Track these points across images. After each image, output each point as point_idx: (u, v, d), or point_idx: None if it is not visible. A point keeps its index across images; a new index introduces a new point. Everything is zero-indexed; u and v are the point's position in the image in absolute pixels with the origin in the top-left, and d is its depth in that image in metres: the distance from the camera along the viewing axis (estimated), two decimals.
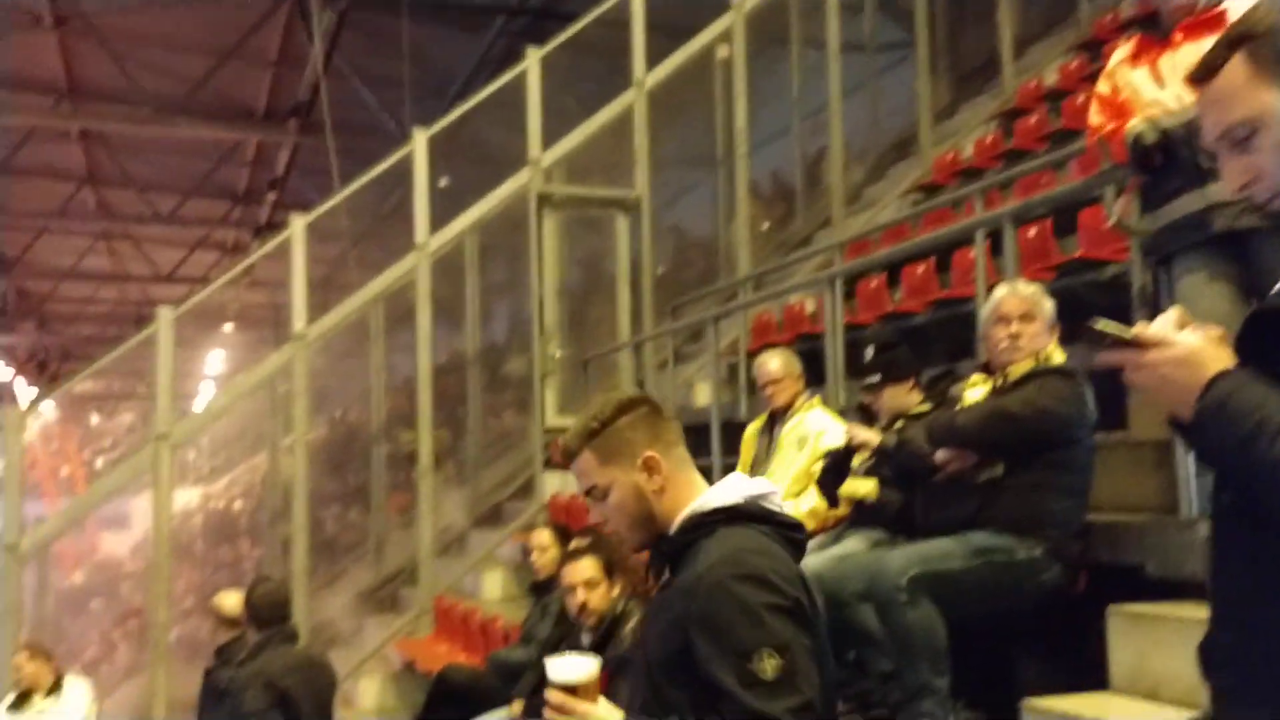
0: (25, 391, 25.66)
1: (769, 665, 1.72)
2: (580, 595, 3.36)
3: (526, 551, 6.93)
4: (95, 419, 31.38)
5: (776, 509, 1.94)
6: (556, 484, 7.48)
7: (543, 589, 4.75)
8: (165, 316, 6.54)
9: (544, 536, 4.87)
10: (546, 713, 1.81)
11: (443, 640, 6.83)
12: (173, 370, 6.56)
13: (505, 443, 9.18)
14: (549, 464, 7.76)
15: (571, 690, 1.78)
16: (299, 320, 6.89)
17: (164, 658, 6.50)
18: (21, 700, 5.85)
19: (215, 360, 21.83)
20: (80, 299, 22.58)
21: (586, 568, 3.37)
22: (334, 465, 10.85)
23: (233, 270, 7.40)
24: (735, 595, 1.77)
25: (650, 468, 1.93)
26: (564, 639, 4.13)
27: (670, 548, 1.92)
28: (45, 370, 24.14)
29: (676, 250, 10.06)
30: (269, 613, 4.55)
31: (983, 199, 5.83)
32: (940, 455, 3.04)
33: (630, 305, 7.86)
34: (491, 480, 8.61)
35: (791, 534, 1.94)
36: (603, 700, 1.81)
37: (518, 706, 4.12)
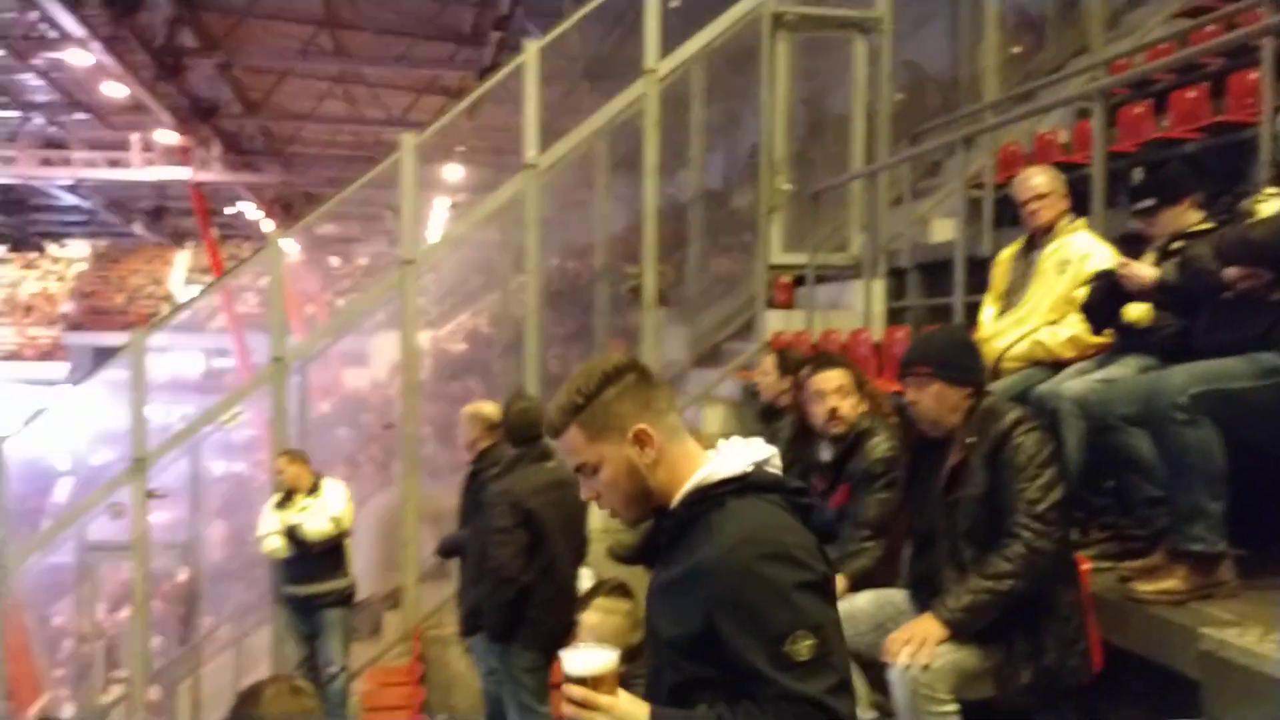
0: (270, 231, 27.60)
1: (804, 647, 1.66)
2: (831, 402, 3.33)
3: (747, 388, 7.04)
4: (335, 261, 33.50)
5: (779, 473, 1.82)
6: (779, 323, 7.44)
7: (771, 415, 4.77)
8: (408, 143, 6.77)
9: (768, 362, 4.88)
10: (565, 708, 1.72)
11: None
12: (416, 197, 6.82)
13: (727, 283, 9.17)
14: (771, 304, 7.72)
15: (592, 683, 1.70)
16: (531, 149, 6.99)
17: (416, 469, 6.96)
18: (285, 499, 6.46)
19: (445, 203, 22.72)
20: (321, 142, 23.80)
21: (838, 376, 3.33)
22: (557, 304, 11.18)
23: (471, 95, 7.51)
24: (763, 577, 1.69)
25: (641, 440, 1.79)
26: (795, 462, 4.16)
27: (674, 523, 1.80)
28: (289, 211, 25.77)
29: (913, 84, 9.54)
30: (522, 430, 4.61)
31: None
32: (1230, 272, 2.79)
33: (864, 135, 7.55)
34: (712, 320, 8.66)
35: (798, 499, 1.83)
36: (623, 692, 1.72)
37: None
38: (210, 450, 8.87)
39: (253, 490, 12.54)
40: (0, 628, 6.83)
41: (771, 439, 4.64)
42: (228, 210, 28.05)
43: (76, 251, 43.46)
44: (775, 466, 1.83)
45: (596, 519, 4.80)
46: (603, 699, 1.71)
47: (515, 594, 4.41)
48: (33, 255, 40.28)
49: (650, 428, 1.80)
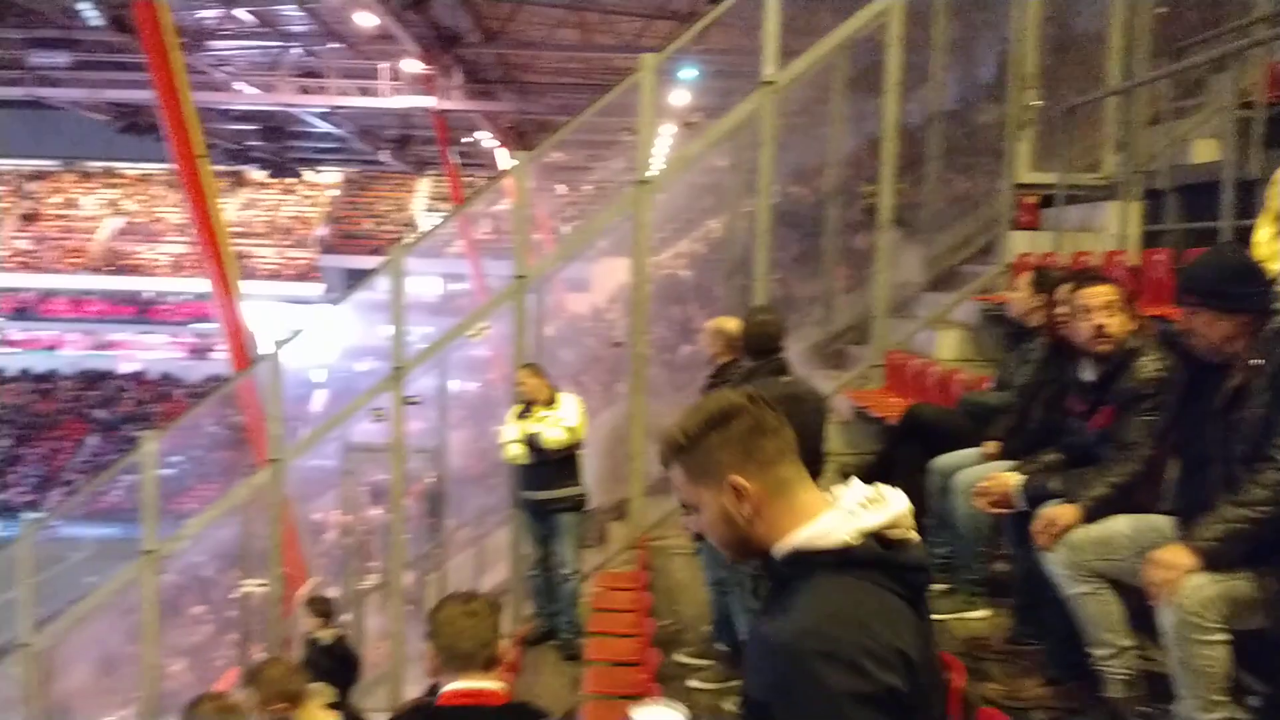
0: (505, 160, 28.58)
1: None
2: (1098, 318, 3.18)
3: (985, 311, 6.80)
4: (561, 189, 34.39)
5: (898, 540, 1.66)
6: (1023, 244, 7.13)
7: (1021, 336, 4.60)
8: (648, 63, 6.83)
9: (1022, 279, 4.69)
10: None
11: (894, 393, 6.93)
12: (653, 118, 6.90)
13: (965, 203, 8.84)
14: (1015, 225, 7.40)
15: None
16: (769, 65, 6.91)
17: (643, 385, 7.15)
18: (525, 410, 6.78)
19: (670, 129, 22.83)
20: (553, 70, 24.33)
21: (1106, 291, 3.17)
22: (782, 228, 11.10)
23: (707, 16, 7.46)
24: (818, 678, 1.55)
25: (737, 492, 1.69)
26: (1046, 384, 4.00)
27: (775, 574, 1.70)
28: (523, 139, 26.56)
29: None
30: (759, 343, 4.63)
31: None
32: None
33: (1121, 50, 7.04)
34: (949, 241, 8.38)
35: (911, 575, 1.67)
36: None
37: (992, 447, 4.10)
38: (453, 365, 9.39)
39: (490, 403, 13.22)
40: (278, 518, 7.54)
41: (1021, 361, 4.51)
42: (465, 139, 29.20)
43: (329, 178, 46.41)
44: (897, 533, 1.68)
45: (833, 439, 4.79)
46: None
47: None
48: (290, 181, 43.24)
49: (748, 481, 1.71)
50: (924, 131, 8.23)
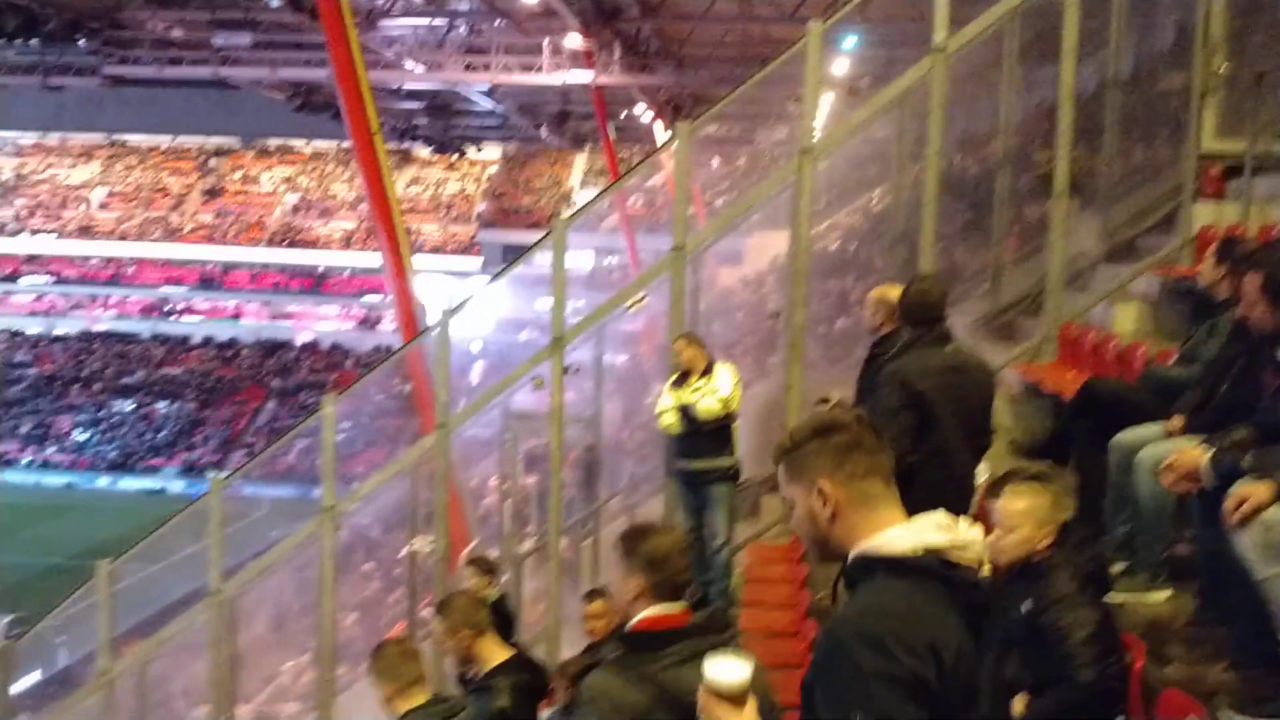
0: (661, 134, 28.65)
1: None
2: None
3: (1166, 285, 6.46)
4: (715, 163, 34.27)
5: (959, 560, 1.86)
6: (1208, 215, 6.74)
7: (1208, 309, 4.38)
8: (814, 29, 6.74)
9: (1209, 253, 4.47)
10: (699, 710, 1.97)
11: (1069, 366, 6.67)
12: (818, 85, 6.81)
13: (1144, 172, 8.41)
14: (1199, 195, 7.01)
15: (726, 695, 1.91)
16: (939, 31, 6.72)
17: (799, 356, 7.10)
18: (681, 380, 6.83)
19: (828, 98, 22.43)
20: (710, 43, 24.23)
21: None
22: (952, 195, 10.79)
23: None
24: (851, 656, 1.78)
25: (822, 496, 1.94)
26: (1235, 359, 3.80)
27: (846, 576, 1.94)
28: (679, 113, 26.57)
29: None
30: (920, 312, 4.49)
31: None
32: None
33: None
34: (1127, 212, 8.00)
35: (965, 592, 1.86)
36: (750, 710, 1.91)
37: (1177, 421, 3.91)
38: (608, 337, 9.53)
39: (642, 375, 13.36)
40: (444, 480, 7.84)
41: (1208, 335, 4.29)
42: (622, 114, 29.41)
43: (490, 154, 47.52)
44: (959, 555, 1.87)
45: (1002, 415, 4.66)
46: (719, 710, 1.97)
47: (899, 474, 4.38)
48: (454, 158, 44.46)
49: (834, 487, 1.95)
50: (1101, 98, 7.86)
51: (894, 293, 5.04)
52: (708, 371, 6.69)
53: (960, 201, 10.14)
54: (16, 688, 8.37)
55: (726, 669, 2.05)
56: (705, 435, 6.58)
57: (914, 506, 4.38)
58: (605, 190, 29.23)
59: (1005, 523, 3.24)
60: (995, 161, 8.42)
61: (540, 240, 7.99)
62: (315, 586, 8.17)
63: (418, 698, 3.52)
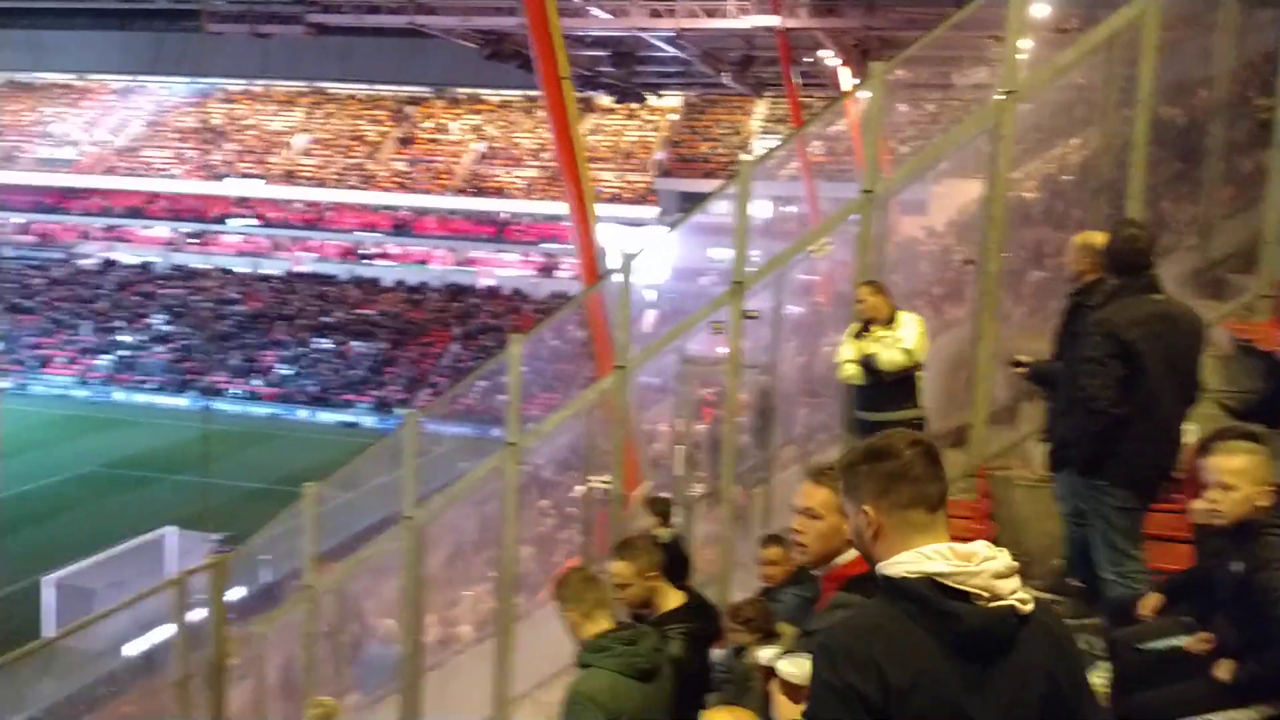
0: (847, 79, 27.94)
1: None
2: None
3: None
4: (902, 108, 33.16)
5: (963, 588, 1.96)
6: None
7: None
8: None
9: None
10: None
11: None
12: (1023, 25, 6.50)
13: None
14: None
15: (790, 688, 2.28)
16: None
17: (993, 305, 6.86)
18: (863, 329, 6.71)
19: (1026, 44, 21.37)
20: None
21: None
22: (1159, 144, 10.15)
23: None
24: (815, 660, 2.04)
25: (866, 517, 2.11)
26: None
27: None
28: (866, 57, 25.81)
29: None
30: (1127, 259, 4.32)
31: None
32: None
33: None
34: None
35: (958, 620, 1.94)
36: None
37: None
38: (787, 285, 9.45)
39: (820, 323, 13.20)
40: (621, 421, 8.00)
41: None
42: (806, 59, 28.80)
43: (670, 102, 47.49)
44: (963, 583, 1.97)
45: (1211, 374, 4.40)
46: (780, 698, 2.36)
47: (1106, 426, 4.20)
48: (634, 106, 44.68)
49: (876, 512, 2.11)
50: None
51: (1098, 238, 4.80)
52: (891, 321, 6.54)
53: (1168, 150, 9.52)
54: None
55: (795, 662, 2.34)
56: (887, 386, 6.45)
57: (1122, 460, 4.20)
58: (792, 134, 28.74)
59: (1222, 481, 3.09)
60: (1208, 108, 7.85)
61: (724, 185, 7.97)
62: (496, 519, 8.50)
63: (602, 622, 3.65)
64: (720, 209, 8.64)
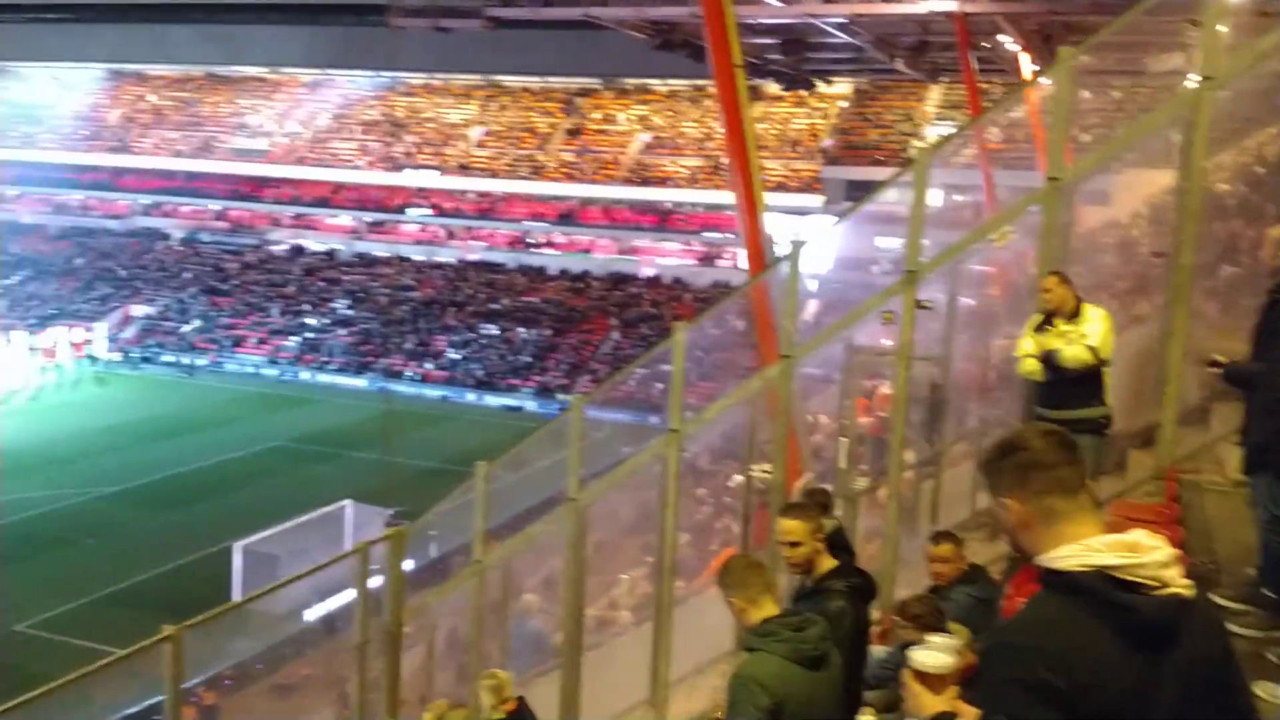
0: (1027, 66, 26.83)
1: None
2: None
3: None
4: (1085, 95, 31.66)
5: (1134, 579, 1.95)
6: None
7: None
8: None
9: None
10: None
11: None
12: (1223, 9, 6.10)
13: None
14: None
15: (930, 679, 2.42)
16: None
17: (1185, 300, 6.50)
18: (1045, 322, 6.45)
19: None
20: None
21: None
22: None
23: None
24: (990, 661, 2.05)
25: (1009, 510, 2.17)
26: None
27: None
28: (1048, 42, 24.73)
29: None
30: None
31: None
32: None
33: None
34: None
35: (1125, 614, 1.94)
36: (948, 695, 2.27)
37: None
38: (960, 276, 9.16)
39: (993, 317, 12.78)
40: (785, 410, 7.95)
41: None
42: (984, 44, 27.81)
43: (839, 89, 46.73)
44: (1133, 573, 1.95)
45: None
46: (916, 689, 2.49)
47: None
48: (802, 93, 44.14)
49: (1017, 503, 2.16)
50: None
51: None
52: (1076, 315, 6.27)
53: None
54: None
55: (932, 653, 2.45)
56: (1071, 383, 6.20)
57: None
58: (971, 121, 27.85)
59: None
60: None
61: (900, 171, 7.79)
62: (653, 506, 8.58)
63: (768, 608, 3.64)
64: (889, 197, 8.44)
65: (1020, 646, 2.01)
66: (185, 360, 45.24)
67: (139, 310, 48.97)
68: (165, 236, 55.46)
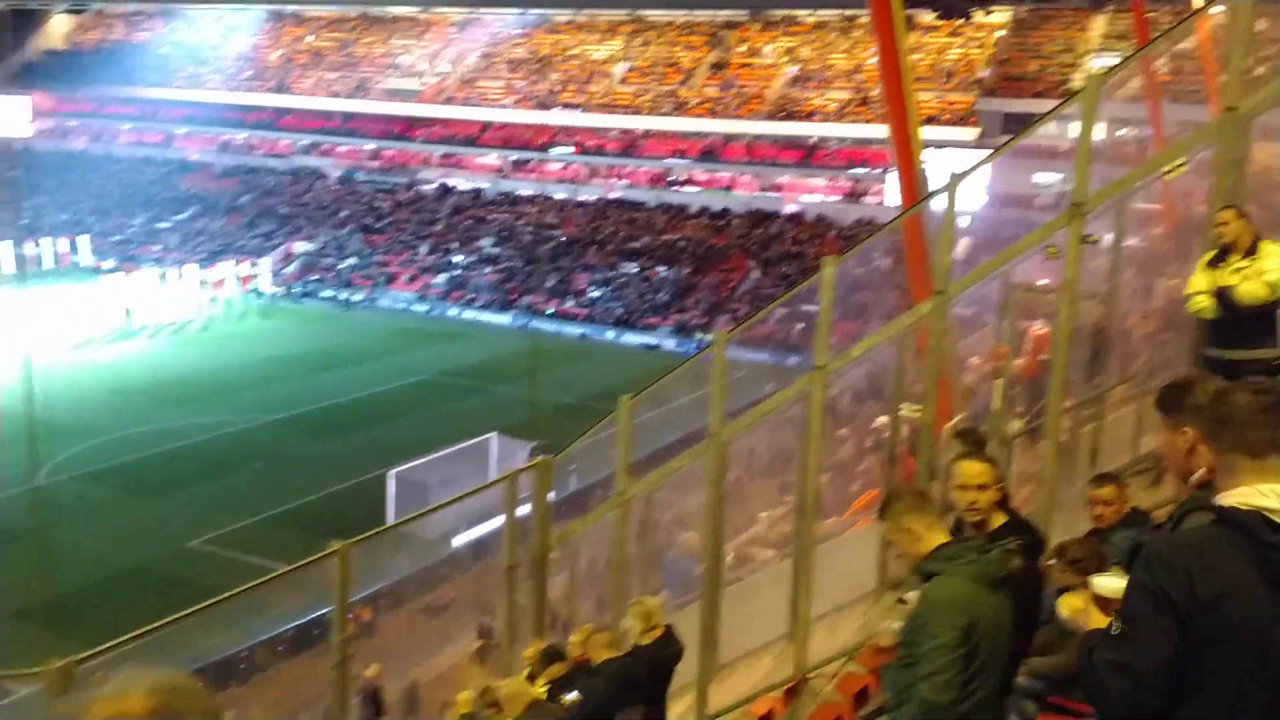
0: None
1: (1114, 625, 2.30)
2: None
3: None
4: (1261, 25, 29.43)
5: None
6: None
7: None
8: None
9: None
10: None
11: None
12: None
13: None
14: None
15: (1101, 602, 2.60)
16: None
17: None
18: (1219, 258, 6.10)
19: None
20: None
21: None
22: None
23: None
24: (1136, 562, 2.31)
25: (1184, 437, 2.57)
26: None
27: None
28: None
29: None
30: None
31: None
32: None
33: None
34: None
35: (1271, 553, 2.12)
36: None
37: None
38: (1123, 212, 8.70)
39: (1159, 255, 12.16)
40: (938, 348, 7.74)
41: None
42: None
43: (998, 18, 44.69)
44: None
45: None
46: (1094, 614, 2.69)
47: None
48: (959, 22, 42.42)
49: (1201, 445, 2.46)
50: None
51: None
52: (1252, 250, 5.96)
53: None
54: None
55: (1112, 581, 2.68)
56: (1245, 321, 5.92)
57: None
58: (1138, 51, 26.35)
59: None
60: None
61: (1065, 101, 7.40)
62: (792, 447, 8.51)
63: (941, 534, 3.61)
64: (1049, 131, 8.03)
65: (1157, 556, 2.25)
66: (342, 295, 47.09)
67: (300, 247, 51.11)
68: (323, 175, 57.54)
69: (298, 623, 15.64)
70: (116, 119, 63.57)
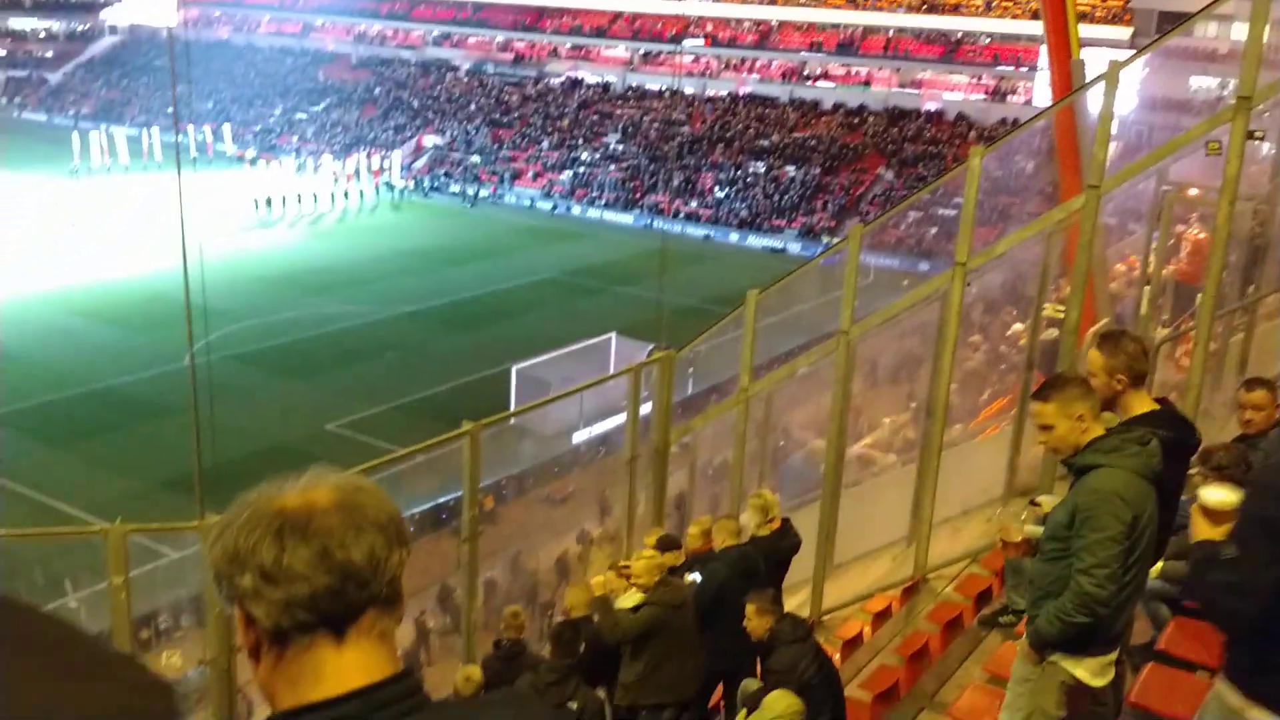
0: None
1: (1227, 549, 2.49)
2: None
3: None
4: None
5: None
6: None
7: None
8: None
9: None
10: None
11: None
12: None
13: None
14: None
15: (1212, 513, 2.65)
16: None
17: None
18: None
19: None
20: None
21: None
22: None
23: None
24: (1249, 489, 2.53)
25: None
26: None
27: None
28: None
29: None
30: None
31: None
32: None
33: None
34: None
35: None
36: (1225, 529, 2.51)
37: None
38: None
39: None
40: (1088, 245, 7.35)
41: None
42: None
43: None
44: None
45: None
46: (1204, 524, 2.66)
47: None
48: None
49: None
50: None
51: None
52: None
53: None
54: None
55: (1220, 491, 2.68)
56: None
57: None
58: None
59: None
60: None
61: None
62: (917, 354, 8.28)
63: (1099, 428, 3.51)
64: (1208, 32, 7.40)
65: (1263, 484, 2.36)
66: (469, 191, 47.67)
67: (430, 141, 51.75)
68: (454, 67, 57.82)
69: (423, 507, 16.25)
70: (257, 9, 64.84)
